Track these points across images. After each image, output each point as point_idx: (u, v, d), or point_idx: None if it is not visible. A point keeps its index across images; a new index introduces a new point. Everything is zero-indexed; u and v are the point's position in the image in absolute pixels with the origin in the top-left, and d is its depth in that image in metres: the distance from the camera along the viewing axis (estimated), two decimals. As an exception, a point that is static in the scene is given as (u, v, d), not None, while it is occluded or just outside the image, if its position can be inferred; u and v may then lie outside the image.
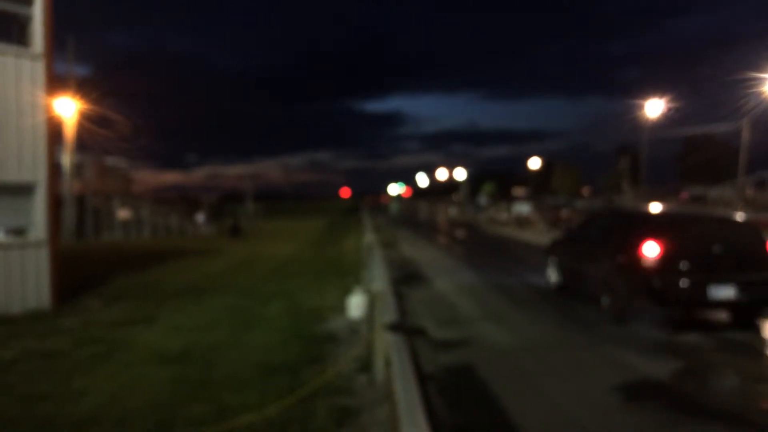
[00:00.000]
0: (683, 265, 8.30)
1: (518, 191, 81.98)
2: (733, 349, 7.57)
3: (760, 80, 29.14)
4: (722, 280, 8.17)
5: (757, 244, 8.71)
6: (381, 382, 5.80)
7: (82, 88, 26.73)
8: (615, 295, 8.97)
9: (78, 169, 29.70)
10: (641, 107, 41.71)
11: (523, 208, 39.81)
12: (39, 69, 9.80)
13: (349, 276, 13.29)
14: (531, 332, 8.51)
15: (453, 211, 57.67)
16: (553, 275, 11.84)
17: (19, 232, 9.80)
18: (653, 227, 8.91)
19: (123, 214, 29.92)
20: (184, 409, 5.25)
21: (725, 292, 8.14)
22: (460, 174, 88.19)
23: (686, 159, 68.78)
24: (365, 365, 6.37)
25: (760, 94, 30.07)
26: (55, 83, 11.03)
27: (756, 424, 5.10)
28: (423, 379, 6.02)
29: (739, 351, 7.49)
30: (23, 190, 9.79)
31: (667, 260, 8.32)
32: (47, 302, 9.82)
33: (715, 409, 5.43)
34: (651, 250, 8.40)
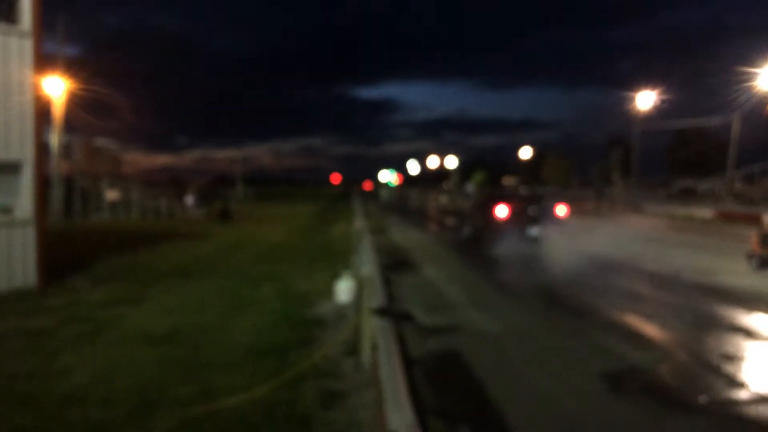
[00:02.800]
0: (515, 218, 16.48)
1: (509, 180, 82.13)
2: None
3: (752, 74, 29.28)
4: (532, 225, 16.38)
5: (549, 208, 17.20)
6: (367, 366, 5.84)
7: (71, 67, 26.39)
8: (487, 235, 16.82)
9: (66, 149, 29.39)
10: (633, 99, 41.83)
11: None
12: (27, 47, 9.66)
13: (339, 261, 13.31)
14: (516, 319, 8.59)
15: (443, 199, 57.71)
16: (466, 231, 19.66)
17: (5, 210, 9.72)
18: (503, 198, 17.77)
19: (111, 195, 29.63)
20: (170, 389, 5.26)
21: (534, 231, 16.34)
22: (452, 162, 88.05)
23: (677, 152, 68.94)
24: (352, 349, 6.41)
25: (751, 88, 30.23)
26: (44, 62, 10.88)
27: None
28: (410, 363, 6.07)
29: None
30: (10, 169, 9.69)
31: (508, 215, 16.57)
32: (33, 281, 9.77)
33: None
34: (501, 210, 16.69)
